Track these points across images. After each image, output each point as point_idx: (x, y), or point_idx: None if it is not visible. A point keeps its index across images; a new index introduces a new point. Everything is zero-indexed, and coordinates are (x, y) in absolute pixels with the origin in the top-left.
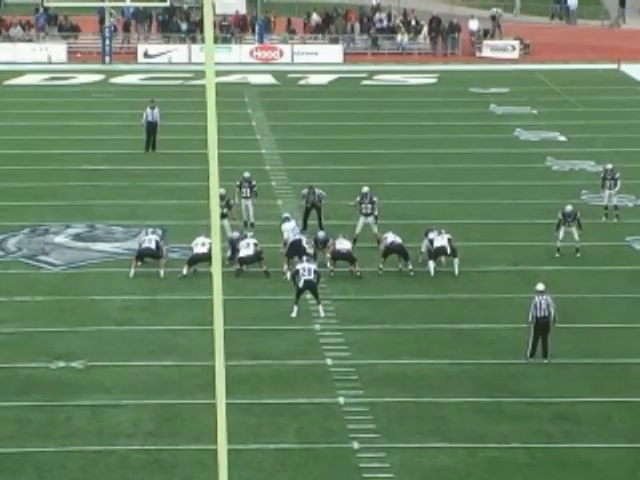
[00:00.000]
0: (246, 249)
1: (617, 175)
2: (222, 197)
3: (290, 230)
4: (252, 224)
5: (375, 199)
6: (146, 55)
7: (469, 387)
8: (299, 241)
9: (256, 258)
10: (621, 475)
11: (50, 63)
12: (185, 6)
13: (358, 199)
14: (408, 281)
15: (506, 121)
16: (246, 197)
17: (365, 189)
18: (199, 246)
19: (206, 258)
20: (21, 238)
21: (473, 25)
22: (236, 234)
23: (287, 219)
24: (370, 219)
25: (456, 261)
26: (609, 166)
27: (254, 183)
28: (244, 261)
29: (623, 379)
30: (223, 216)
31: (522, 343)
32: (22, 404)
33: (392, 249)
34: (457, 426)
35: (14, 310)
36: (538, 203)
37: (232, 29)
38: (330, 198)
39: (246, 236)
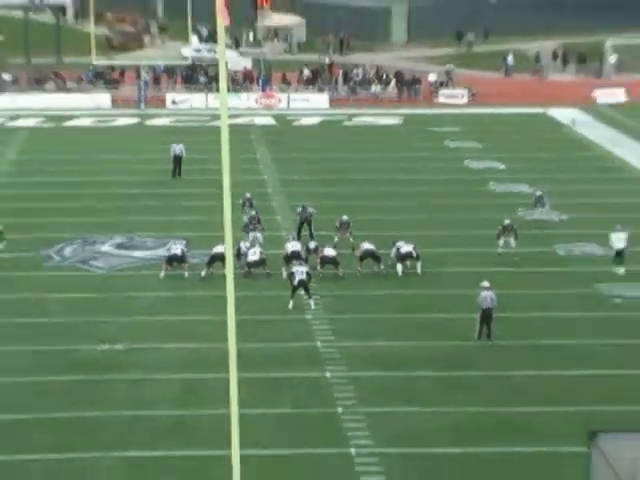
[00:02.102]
0: (253, 255)
1: (545, 200)
2: (253, 217)
3: (291, 245)
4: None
5: (351, 224)
6: (173, 102)
7: (431, 363)
8: (298, 252)
9: (261, 263)
10: (555, 433)
11: (97, 109)
12: (204, 63)
13: (337, 225)
14: (381, 280)
15: (458, 153)
16: (246, 213)
17: (344, 217)
18: (215, 249)
19: (220, 259)
20: (75, 247)
21: (432, 77)
22: (247, 245)
23: (291, 239)
24: (347, 234)
25: (419, 264)
26: (538, 193)
27: (254, 201)
28: (251, 265)
29: (553, 356)
30: (254, 229)
31: (471, 329)
32: (75, 378)
33: (367, 254)
34: (421, 395)
35: (69, 303)
36: (483, 218)
37: (241, 81)
38: (319, 214)
39: (254, 245)
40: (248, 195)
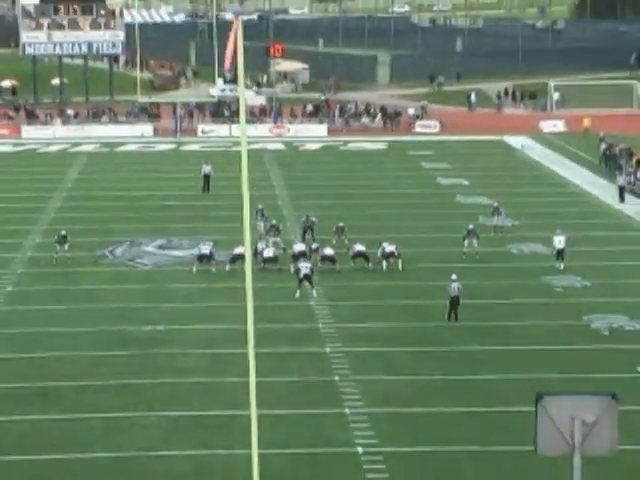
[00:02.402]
0: (268, 253)
1: (501, 209)
2: (273, 226)
3: (298, 246)
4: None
5: (346, 230)
6: (202, 132)
7: (409, 340)
8: (304, 251)
9: (274, 259)
10: (505, 395)
11: (142, 137)
12: (227, 100)
13: (334, 229)
14: (369, 274)
15: (431, 172)
16: (260, 220)
17: (340, 224)
18: (238, 249)
19: (242, 257)
20: (124, 248)
21: (410, 111)
22: (263, 245)
23: (298, 241)
24: (342, 237)
25: (400, 261)
26: (495, 204)
27: (265, 212)
28: (266, 261)
29: (505, 334)
30: (274, 236)
31: (442, 312)
32: (125, 353)
33: (358, 254)
34: (403, 365)
35: (120, 293)
36: (451, 224)
37: (257, 115)
38: (319, 221)
39: (269, 245)
40: (260, 206)
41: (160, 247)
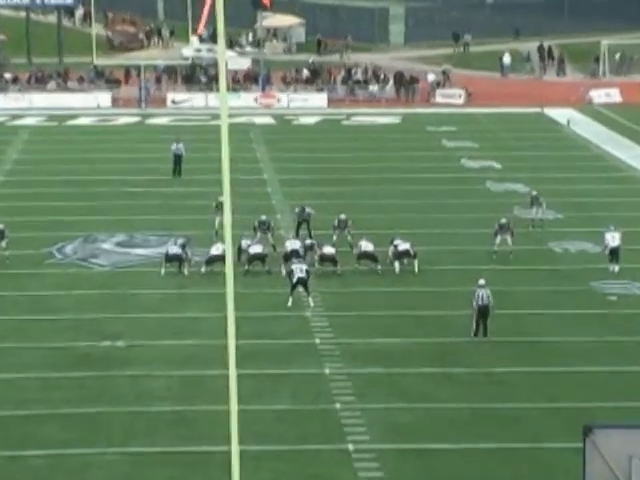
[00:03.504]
0: (254, 249)
1: (541, 199)
2: (262, 222)
3: (290, 244)
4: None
5: (349, 223)
6: (173, 102)
7: (426, 360)
8: (297, 250)
9: (262, 257)
10: (543, 428)
11: (98, 108)
12: (204, 63)
13: (335, 223)
14: (377, 278)
15: (454, 152)
16: (220, 215)
17: (343, 216)
18: (214, 249)
19: (220, 259)
20: (76, 245)
21: (430, 77)
22: (248, 242)
23: (290, 237)
24: (345, 232)
25: (416, 262)
26: (534, 193)
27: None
28: (252, 260)
29: (546, 353)
30: (265, 232)
31: (467, 325)
32: (78, 374)
33: (363, 254)
34: (417, 390)
35: (72, 300)
36: (480, 216)
37: (240, 81)
38: (317, 214)
39: (255, 242)
40: (263, 217)
41: (120, 244)
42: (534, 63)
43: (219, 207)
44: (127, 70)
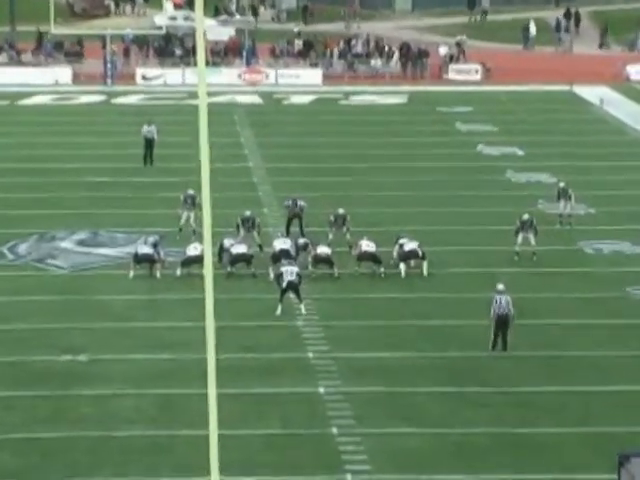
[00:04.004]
0: (238, 249)
1: (570, 192)
2: (247, 218)
3: (280, 243)
4: (194, 231)
5: (348, 218)
6: (144, 78)
7: (436, 377)
8: (287, 250)
9: (248, 258)
10: (573, 456)
11: (57, 85)
12: (179, 33)
13: (332, 219)
14: (381, 282)
15: (470, 137)
16: (188, 210)
17: (340, 211)
18: (192, 250)
19: (198, 260)
20: (31, 244)
21: (442, 50)
22: (230, 241)
23: (279, 236)
24: (343, 229)
25: (425, 263)
26: (562, 185)
27: (198, 199)
28: (236, 259)
29: (574, 370)
30: (250, 229)
31: (484, 337)
32: (33, 394)
33: (364, 255)
34: (426, 413)
35: (25, 308)
36: (498, 211)
37: (222, 54)
38: (311, 208)
39: (238, 242)
40: (191, 192)
41: (82, 243)
42: (563, 34)
43: (187, 201)
44: (90, 41)
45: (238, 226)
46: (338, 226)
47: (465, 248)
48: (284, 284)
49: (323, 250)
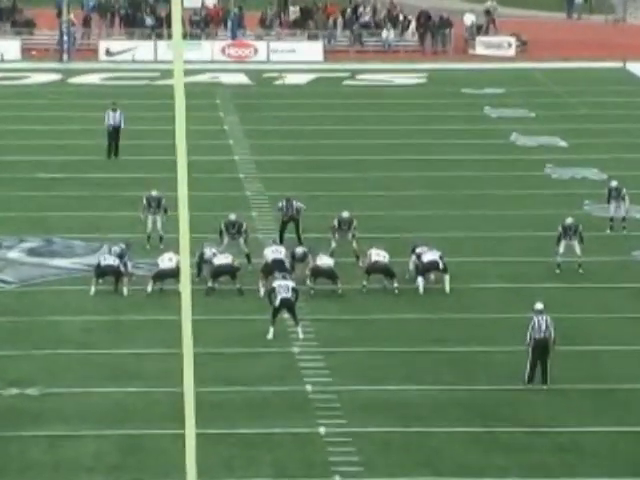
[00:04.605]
0: (221, 259)
1: (624, 192)
2: (233, 222)
3: (272, 252)
4: (161, 237)
5: (355, 223)
6: (108, 53)
7: (461, 415)
8: (281, 260)
9: (232, 271)
10: None
11: (2, 61)
12: None
13: (336, 224)
14: (394, 299)
15: (501, 125)
16: (154, 214)
17: (345, 214)
18: (166, 261)
19: (173, 274)
20: None
21: (468, 20)
22: (212, 250)
23: (271, 243)
24: (348, 236)
25: (447, 277)
26: (614, 184)
27: (164, 201)
28: (219, 271)
29: (629, 406)
30: (235, 236)
31: (519, 367)
32: None
33: (376, 269)
34: (448, 458)
35: None
36: (536, 214)
37: (202, 24)
38: (309, 209)
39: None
40: (154, 193)
41: (33, 252)
42: (614, 1)
43: (152, 204)
44: (43, 8)
45: (221, 232)
46: (343, 232)
47: (496, 259)
48: (277, 302)
49: (324, 261)
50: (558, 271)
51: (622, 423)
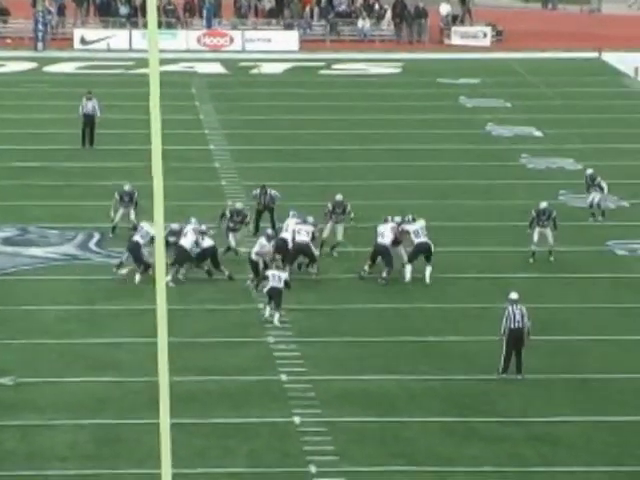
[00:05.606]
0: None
1: (600, 181)
2: (237, 211)
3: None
4: (134, 227)
5: (349, 208)
6: (83, 41)
7: (436, 406)
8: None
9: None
10: None
11: None
12: None
13: (330, 207)
14: (370, 289)
15: (477, 114)
16: (126, 207)
17: (339, 197)
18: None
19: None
20: None
21: (443, 10)
22: (177, 226)
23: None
24: (340, 227)
25: (429, 268)
26: (589, 171)
27: (136, 195)
28: (204, 253)
29: (604, 397)
30: (232, 230)
31: (494, 357)
32: None
33: (380, 250)
34: (423, 448)
35: None
36: (512, 204)
37: (177, 13)
38: (285, 199)
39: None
40: (127, 187)
41: (7, 241)
42: None
43: (124, 199)
44: None
45: (223, 216)
46: (338, 216)
47: (471, 249)
48: (266, 289)
49: (301, 236)
50: (532, 260)
51: (597, 413)
